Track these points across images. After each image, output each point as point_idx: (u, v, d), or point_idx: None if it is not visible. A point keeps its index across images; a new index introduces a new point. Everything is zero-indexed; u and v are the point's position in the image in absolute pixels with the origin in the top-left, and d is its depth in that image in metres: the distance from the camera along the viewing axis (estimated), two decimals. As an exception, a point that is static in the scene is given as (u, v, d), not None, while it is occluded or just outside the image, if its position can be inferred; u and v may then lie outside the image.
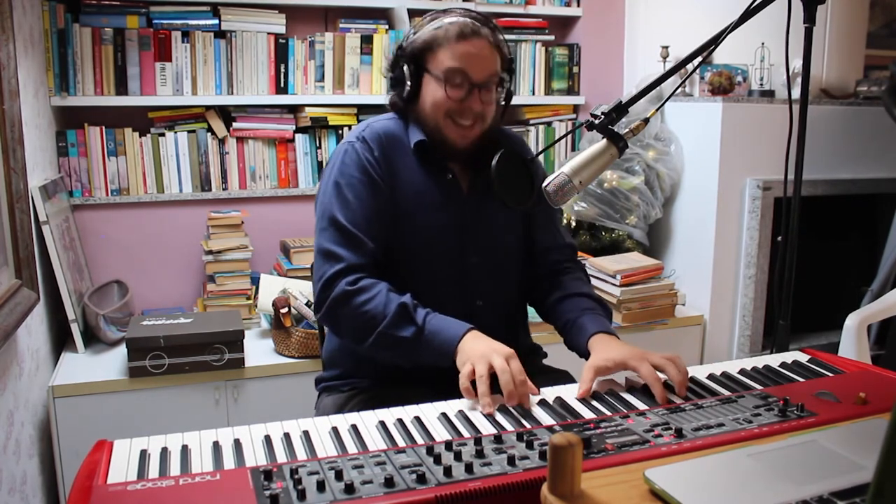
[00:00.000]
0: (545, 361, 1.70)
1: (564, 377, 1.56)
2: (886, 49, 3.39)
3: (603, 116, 1.36)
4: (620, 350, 1.36)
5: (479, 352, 1.29)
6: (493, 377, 1.24)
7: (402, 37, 1.56)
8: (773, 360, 1.43)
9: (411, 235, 1.51)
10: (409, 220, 1.51)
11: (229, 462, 1.03)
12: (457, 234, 1.55)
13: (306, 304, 2.41)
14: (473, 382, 1.25)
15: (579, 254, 2.86)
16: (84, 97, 2.55)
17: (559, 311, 1.57)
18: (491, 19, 1.52)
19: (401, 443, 1.08)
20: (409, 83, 1.50)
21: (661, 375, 1.28)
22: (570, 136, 3.27)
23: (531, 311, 1.73)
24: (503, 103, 1.58)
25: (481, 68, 1.47)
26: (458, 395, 1.26)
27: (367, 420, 1.17)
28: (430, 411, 1.21)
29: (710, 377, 1.35)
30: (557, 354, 1.66)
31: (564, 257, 1.68)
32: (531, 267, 1.67)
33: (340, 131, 2.89)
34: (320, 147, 2.88)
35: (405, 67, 1.50)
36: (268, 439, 1.09)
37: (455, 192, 1.56)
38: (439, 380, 1.35)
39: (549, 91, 3.19)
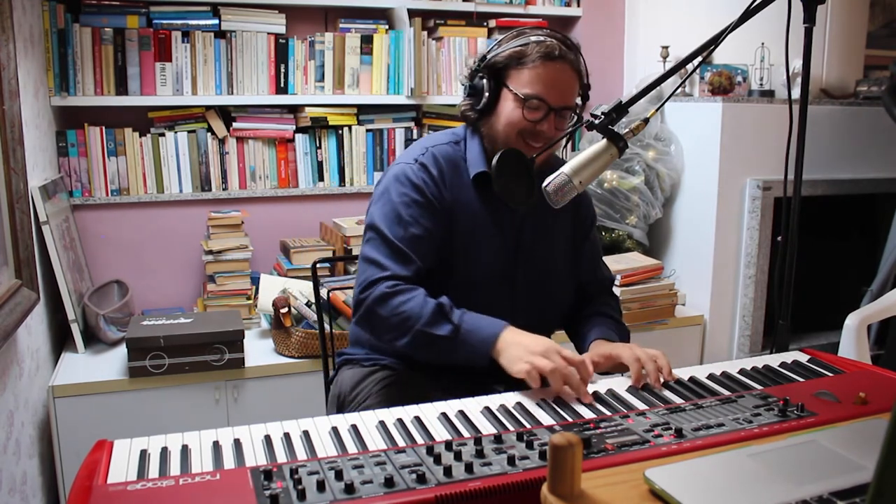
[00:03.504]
0: None
1: None
2: (886, 49, 3.39)
3: (603, 116, 1.36)
4: (610, 345, 1.44)
5: (529, 349, 1.30)
6: None
7: (487, 48, 1.54)
8: (773, 360, 1.43)
9: (466, 257, 1.51)
10: (465, 242, 1.51)
11: (229, 462, 1.03)
12: (510, 257, 1.56)
13: (306, 304, 2.41)
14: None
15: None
16: (84, 97, 2.55)
17: (577, 329, 1.62)
18: (575, 44, 1.51)
19: (401, 443, 1.08)
20: (486, 95, 1.48)
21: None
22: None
23: None
24: (571, 128, 1.55)
25: (561, 95, 1.46)
26: (469, 390, 1.29)
27: (367, 420, 1.17)
28: (430, 411, 1.21)
29: (710, 377, 1.35)
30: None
31: (600, 289, 1.70)
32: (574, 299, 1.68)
33: (340, 131, 2.89)
34: (320, 147, 2.88)
35: (485, 80, 1.48)
36: (268, 439, 1.09)
37: (511, 215, 1.56)
38: (458, 372, 1.39)
39: (549, 91, 3.18)
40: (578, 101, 1.53)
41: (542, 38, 1.46)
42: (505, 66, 1.47)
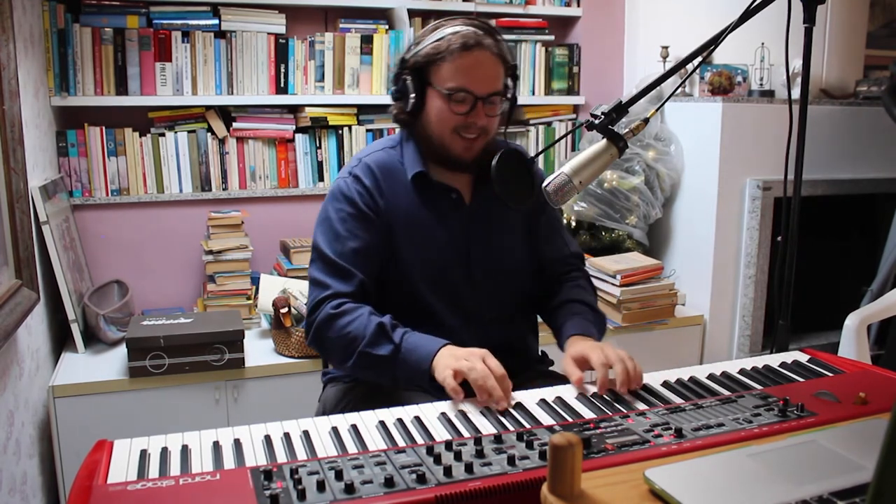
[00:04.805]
0: (551, 369, 1.70)
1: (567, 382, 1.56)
2: (886, 49, 3.39)
3: (603, 116, 1.36)
4: (582, 345, 1.39)
5: (455, 356, 1.30)
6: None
7: (405, 47, 1.52)
8: (773, 360, 1.43)
9: (414, 258, 1.51)
10: (410, 243, 1.51)
11: (229, 462, 1.03)
12: (462, 250, 1.55)
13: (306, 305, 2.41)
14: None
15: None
16: (84, 97, 2.55)
17: (553, 318, 1.60)
18: (494, 27, 1.50)
19: (401, 443, 1.08)
20: (412, 96, 1.48)
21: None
22: (570, 136, 3.27)
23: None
24: (507, 111, 1.57)
25: (485, 83, 1.45)
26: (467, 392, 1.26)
27: (367, 420, 1.17)
28: (430, 411, 1.21)
29: (710, 377, 1.35)
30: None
31: (570, 267, 1.68)
32: (538, 277, 1.67)
33: (340, 131, 2.89)
34: (320, 147, 2.88)
35: (408, 80, 1.49)
36: (268, 439, 1.09)
37: (458, 209, 1.56)
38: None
39: (549, 91, 3.19)
40: (509, 82, 1.52)
41: (457, 29, 1.46)
42: (425, 64, 1.47)
